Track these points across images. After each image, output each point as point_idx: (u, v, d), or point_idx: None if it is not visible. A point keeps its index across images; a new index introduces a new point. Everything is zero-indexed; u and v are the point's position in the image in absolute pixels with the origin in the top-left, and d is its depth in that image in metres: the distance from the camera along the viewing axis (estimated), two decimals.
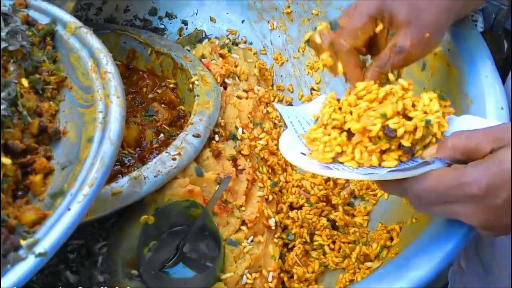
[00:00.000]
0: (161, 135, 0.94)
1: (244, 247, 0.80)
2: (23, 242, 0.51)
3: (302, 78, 1.11)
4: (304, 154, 0.65)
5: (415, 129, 0.61)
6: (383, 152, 0.62)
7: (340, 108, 0.65)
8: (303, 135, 0.68)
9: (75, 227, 0.53)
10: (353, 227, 0.89)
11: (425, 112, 0.62)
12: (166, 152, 0.83)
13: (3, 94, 0.62)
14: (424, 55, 0.74)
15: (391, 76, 0.70)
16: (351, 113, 0.63)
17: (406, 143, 0.61)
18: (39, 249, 0.50)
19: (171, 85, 1.01)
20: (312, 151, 0.65)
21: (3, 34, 0.68)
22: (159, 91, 1.02)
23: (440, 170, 0.57)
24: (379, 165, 0.61)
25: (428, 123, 0.61)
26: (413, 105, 0.63)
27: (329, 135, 0.64)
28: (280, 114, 1.01)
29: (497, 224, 0.57)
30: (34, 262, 0.49)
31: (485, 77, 0.78)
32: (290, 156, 0.65)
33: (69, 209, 0.54)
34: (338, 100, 0.66)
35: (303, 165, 0.64)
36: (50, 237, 0.51)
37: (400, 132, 0.60)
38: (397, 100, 0.62)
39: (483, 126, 0.59)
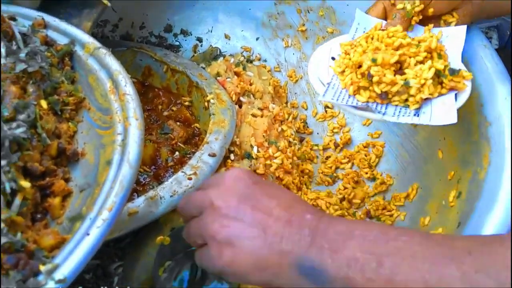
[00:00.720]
0: (176, 153, 0.94)
1: None
2: (42, 268, 0.50)
3: (316, 95, 1.11)
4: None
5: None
6: (363, 88, 0.74)
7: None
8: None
9: (94, 252, 0.53)
10: None
11: (417, 76, 0.71)
12: (182, 172, 0.83)
13: (22, 116, 0.62)
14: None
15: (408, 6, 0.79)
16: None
17: (376, 89, 0.72)
18: (59, 275, 0.50)
19: (186, 103, 1.02)
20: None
21: (22, 55, 0.68)
22: (174, 108, 1.02)
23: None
24: (354, 96, 0.74)
25: (407, 84, 0.71)
26: (421, 62, 0.73)
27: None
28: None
29: None
30: None
31: (504, 99, 0.77)
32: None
33: (88, 234, 0.53)
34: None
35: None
36: (69, 263, 0.51)
37: (375, 79, 0.71)
38: (400, 54, 0.72)
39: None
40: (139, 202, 0.77)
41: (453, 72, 0.73)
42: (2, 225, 0.51)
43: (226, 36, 1.16)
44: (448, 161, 0.85)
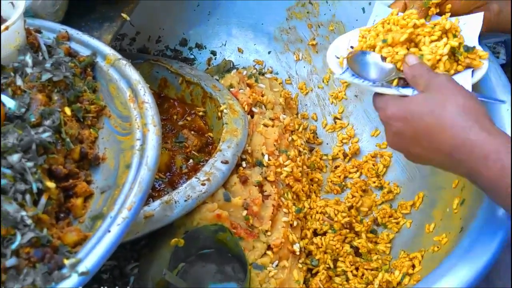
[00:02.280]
0: (191, 160, 0.98)
1: (270, 271, 0.82)
2: (66, 262, 0.54)
3: (326, 107, 1.14)
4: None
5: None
6: None
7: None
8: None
9: (115, 248, 0.56)
10: (376, 254, 0.91)
11: (432, 52, 0.72)
12: (196, 178, 0.86)
13: (48, 122, 0.66)
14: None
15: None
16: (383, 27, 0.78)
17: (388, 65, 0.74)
18: (82, 268, 0.53)
19: (200, 113, 1.05)
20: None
21: (47, 65, 0.72)
22: (188, 118, 1.06)
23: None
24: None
25: (420, 58, 0.72)
26: (437, 39, 0.74)
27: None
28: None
29: (402, 149, 0.70)
30: (77, 280, 0.53)
31: (506, 110, 0.80)
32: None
33: (109, 231, 0.57)
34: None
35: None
36: (91, 257, 0.55)
37: (388, 60, 0.74)
38: (411, 32, 0.74)
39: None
40: (155, 206, 0.81)
41: (468, 49, 0.73)
42: (30, 221, 0.55)
43: (239, 50, 1.20)
44: None
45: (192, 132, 1.03)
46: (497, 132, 0.63)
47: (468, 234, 0.71)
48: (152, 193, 0.93)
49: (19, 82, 0.69)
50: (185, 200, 0.83)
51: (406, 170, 1.01)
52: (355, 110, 1.11)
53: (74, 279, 0.53)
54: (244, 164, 0.94)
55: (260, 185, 0.92)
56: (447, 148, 0.64)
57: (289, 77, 1.18)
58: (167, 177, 0.96)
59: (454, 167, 0.66)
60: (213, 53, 1.21)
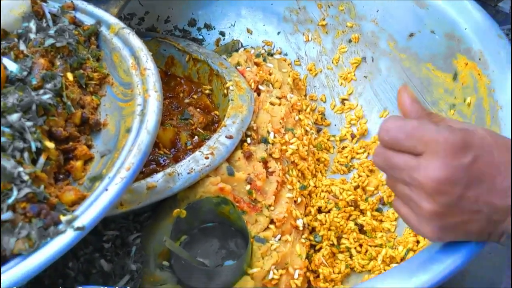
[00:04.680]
0: (196, 137, 0.98)
1: (272, 244, 0.82)
2: (63, 218, 0.54)
3: (335, 88, 1.13)
4: None
5: None
6: None
7: None
8: None
9: (112, 206, 0.56)
10: (381, 231, 0.90)
11: None
12: (200, 151, 0.86)
13: (49, 85, 0.66)
14: None
15: None
16: None
17: None
18: (78, 223, 0.53)
19: (207, 91, 1.05)
20: None
21: (51, 31, 0.73)
22: (195, 96, 1.06)
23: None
24: None
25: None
26: None
27: None
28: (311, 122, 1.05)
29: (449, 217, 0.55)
30: (73, 235, 0.52)
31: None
32: None
33: (106, 190, 0.57)
34: None
35: None
36: (88, 214, 0.55)
37: None
38: None
39: None
40: (158, 177, 0.81)
41: None
42: (27, 177, 0.55)
43: (248, 31, 1.19)
44: None
45: (198, 109, 1.03)
46: None
47: None
48: (156, 168, 0.93)
49: (22, 47, 0.70)
50: (188, 173, 0.82)
51: None
52: (364, 91, 1.10)
53: (69, 234, 0.53)
54: (249, 140, 0.93)
55: (264, 162, 0.91)
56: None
57: (298, 58, 1.17)
58: (171, 153, 0.96)
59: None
60: (222, 33, 1.20)
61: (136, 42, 0.75)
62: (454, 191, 0.52)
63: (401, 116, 0.59)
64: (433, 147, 0.52)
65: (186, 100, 1.05)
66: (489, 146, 0.54)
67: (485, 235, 0.57)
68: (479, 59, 0.86)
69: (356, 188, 0.97)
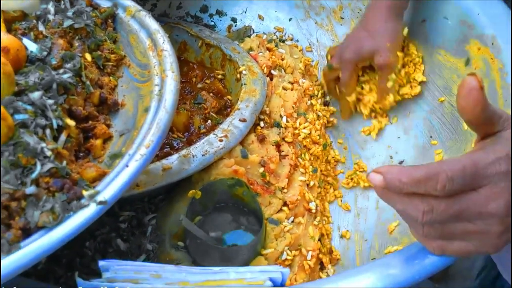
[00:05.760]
0: (209, 121, 0.98)
1: (285, 226, 0.83)
2: (85, 193, 0.55)
3: None
4: None
5: None
6: None
7: None
8: None
9: (132, 182, 0.57)
10: None
11: None
12: (214, 134, 0.87)
13: (68, 65, 0.67)
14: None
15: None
16: None
17: None
18: (100, 198, 0.54)
19: (219, 76, 1.06)
20: None
21: (69, 13, 0.73)
22: (207, 81, 1.06)
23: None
24: None
25: None
26: None
27: None
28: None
29: None
30: (95, 209, 0.53)
31: None
32: None
33: (127, 166, 0.58)
34: None
35: None
36: (109, 189, 0.56)
37: None
38: None
39: None
40: (173, 159, 0.82)
41: None
42: (49, 153, 0.56)
43: (260, 17, 1.20)
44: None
45: (211, 94, 1.04)
46: None
47: None
48: (170, 151, 0.94)
49: (41, 27, 0.70)
50: (203, 155, 0.83)
51: (425, 135, 1.00)
52: None
53: (92, 208, 0.54)
54: (262, 124, 0.94)
55: (277, 145, 0.92)
56: None
57: (309, 44, 1.18)
58: (185, 137, 0.97)
59: None
60: (234, 20, 1.21)
61: (153, 24, 0.76)
62: None
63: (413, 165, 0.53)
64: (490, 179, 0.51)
65: (199, 85, 1.06)
66: None
67: None
68: (492, 43, 0.87)
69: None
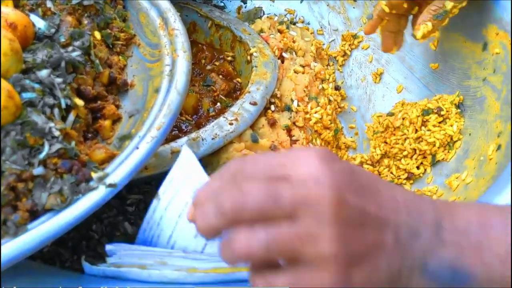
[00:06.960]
0: (218, 104, 0.97)
1: None
2: (94, 175, 0.53)
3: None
4: None
5: None
6: None
7: None
8: None
9: (142, 165, 0.56)
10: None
11: None
12: (224, 117, 0.85)
13: (77, 43, 0.65)
14: None
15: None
16: None
17: None
18: (110, 180, 0.53)
19: (229, 58, 1.04)
20: None
21: None
22: (217, 63, 1.04)
23: None
24: None
25: None
26: None
27: None
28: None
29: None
30: (105, 192, 0.52)
31: None
32: None
33: (137, 148, 0.56)
34: None
35: None
36: (119, 172, 0.54)
37: None
38: None
39: None
40: (182, 142, 0.80)
41: None
42: (58, 133, 0.54)
43: None
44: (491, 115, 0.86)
45: (220, 76, 1.02)
46: None
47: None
48: (179, 134, 0.92)
49: (49, 4, 0.68)
50: (212, 138, 0.81)
51: None
52: (392, 58, 1.08)
53: (101, 191, 0.52)
54: (272, 107, 0.92)
55: (288, 130, 0.90)
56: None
57: (321, 27, 1.15)
58: (194, 119, 0.95)
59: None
60: (243, 1, 1.18)
61: (164, 2, 0.74)
62: None
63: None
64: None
65: (208, 67, 1.04)
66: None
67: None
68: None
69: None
